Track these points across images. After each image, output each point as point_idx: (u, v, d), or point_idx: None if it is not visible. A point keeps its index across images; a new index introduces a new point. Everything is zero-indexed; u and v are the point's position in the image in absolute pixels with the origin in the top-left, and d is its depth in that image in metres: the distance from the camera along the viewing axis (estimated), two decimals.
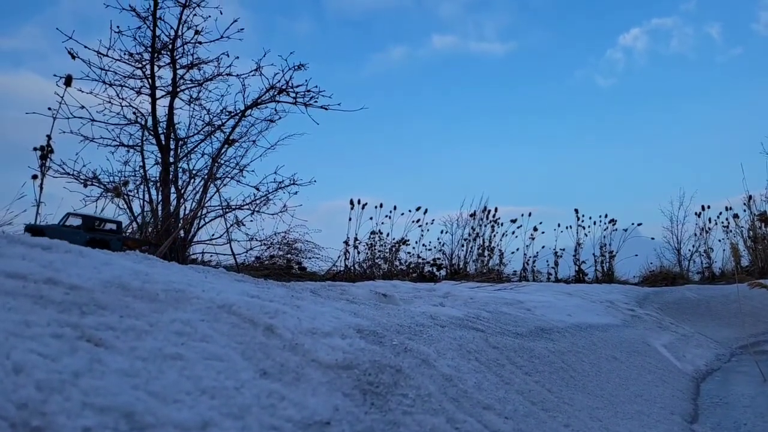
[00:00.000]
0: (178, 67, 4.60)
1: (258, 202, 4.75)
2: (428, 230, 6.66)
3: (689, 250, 8.00)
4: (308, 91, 4.67)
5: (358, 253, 6.08)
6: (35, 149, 4.10)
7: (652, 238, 8.15)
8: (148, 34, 4.46)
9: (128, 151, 4.58)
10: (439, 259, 6.62)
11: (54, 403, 0.72)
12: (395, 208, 6.49)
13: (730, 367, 3.51)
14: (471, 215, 7.00)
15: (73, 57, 4.28)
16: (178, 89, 4.63)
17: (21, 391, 0.71)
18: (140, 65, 4.52)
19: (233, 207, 4.66)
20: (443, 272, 6.51)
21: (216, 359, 1.02)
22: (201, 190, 4.58)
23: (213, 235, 4.56)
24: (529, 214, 7.18)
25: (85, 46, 4.35)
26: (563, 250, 7.33)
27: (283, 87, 4.67)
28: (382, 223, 6.36)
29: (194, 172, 4.69)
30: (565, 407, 1.72)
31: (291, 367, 1.12)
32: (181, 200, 4.52)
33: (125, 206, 4.44)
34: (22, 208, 3.93)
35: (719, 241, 7.94)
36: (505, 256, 7.05)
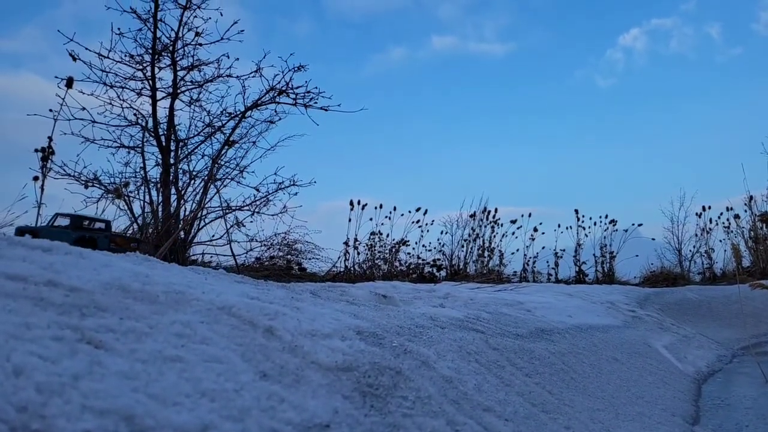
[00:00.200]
0: (178, 68, 4.62)
1: (258, 203, 4.75)
2: (428, 231, 6.67)
3: (690, 250, 8.01)
4: (308, 92, 4.68)
5: (358, 253, 6.09)
6: (36, 150, 4.11)
7: (653, 239, 8.15)
8: (149, 35, 4.48)
9: (129, 153, 4.60)
10: (439, 259, 6.62)
11: (54, 406, 0.72)
12: (395, 208, 6.51)
13: (732, 368, 3.50)
14: (471, 216, 7.01)
15: (74, 59, 4.30)
16: (179, 91, 4.64)
17: (21, 393, 0.71)
18: (141, 67, 4.54)
19: (233, 208, 4.67)
20: (443, 273, 6.50)
21: (216, 361, 1.02)
22: (201, 191, 4.59)
23: (213, 236, 4.57)
24: (529, 215, 7.20)
25: (86, 48, 4.37)
26: (563, 250, 7.33)
27: (283, 88, 4.68)
28: (382, 223, 6.37)
29: (194, 173, 4.70)
30: (565, 409, 1.72)
31: (291, 369, 1.12)
32: (182, 201, 4.52)
33: (126, 207, 4.45)
34: (23, 210, 3.95)
35: (720, 241, 7.96)
36: (505, 256, 7.06)
